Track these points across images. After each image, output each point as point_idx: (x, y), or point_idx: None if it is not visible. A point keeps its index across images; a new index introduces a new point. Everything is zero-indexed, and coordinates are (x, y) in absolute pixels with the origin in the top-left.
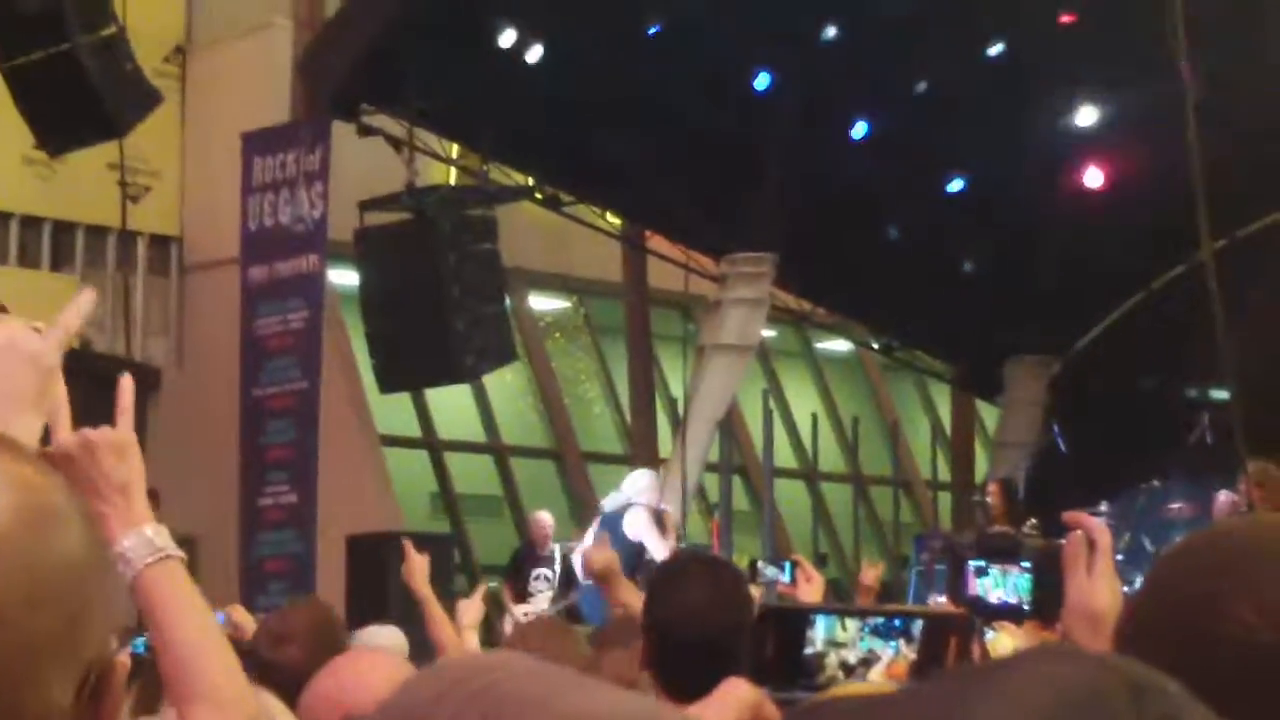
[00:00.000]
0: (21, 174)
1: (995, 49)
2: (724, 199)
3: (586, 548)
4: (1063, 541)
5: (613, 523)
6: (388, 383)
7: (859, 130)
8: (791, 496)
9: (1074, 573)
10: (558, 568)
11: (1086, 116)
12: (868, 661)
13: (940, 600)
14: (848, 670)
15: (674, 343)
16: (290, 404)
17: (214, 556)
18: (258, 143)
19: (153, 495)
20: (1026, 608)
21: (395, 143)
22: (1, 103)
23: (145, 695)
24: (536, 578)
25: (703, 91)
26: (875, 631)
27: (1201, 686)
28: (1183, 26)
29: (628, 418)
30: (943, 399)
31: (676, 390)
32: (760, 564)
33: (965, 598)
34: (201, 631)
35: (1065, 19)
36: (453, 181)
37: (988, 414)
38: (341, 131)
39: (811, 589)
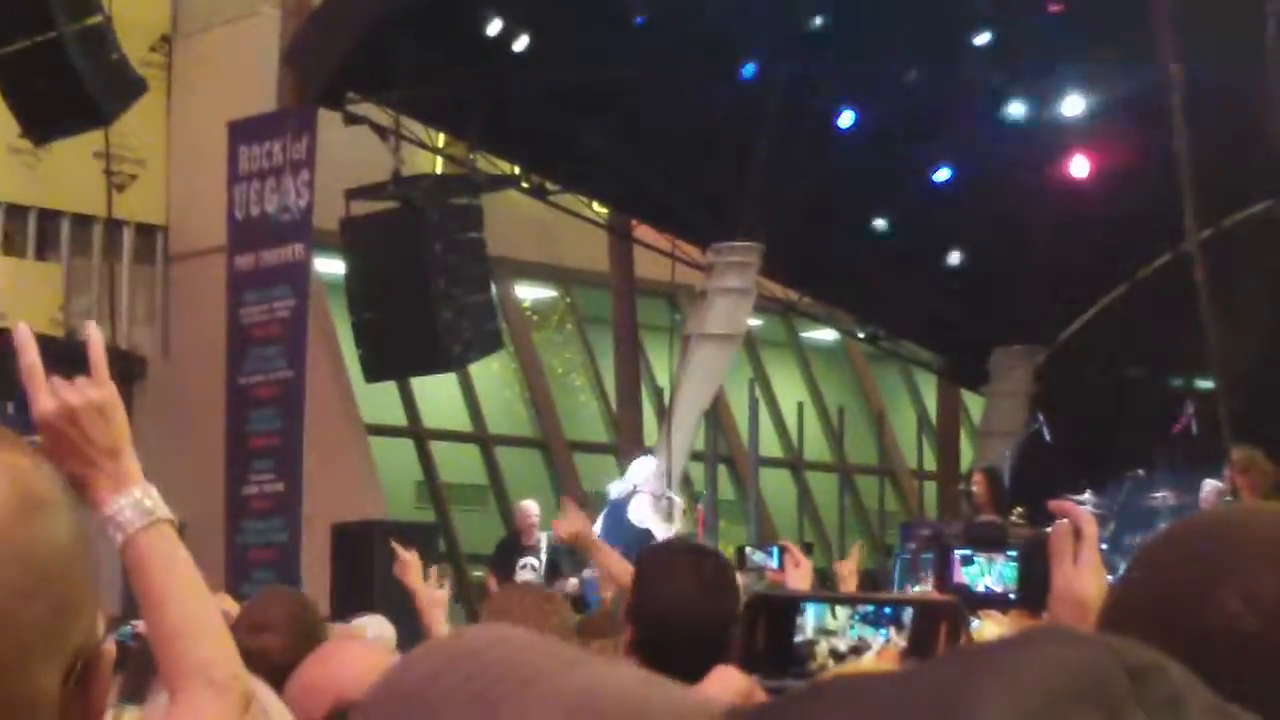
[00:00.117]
0: (7, 162)
1: (983, 38)
2: (710, 188)
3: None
4: (1049, 530)
5: (619, 510)
6: (373, 371)
7: (846, 120)
8: (777, 486)
9: (1060, 561)
10: (544, 556)
11: (1073, 106)
12: (858, 649)
13: (926, 589)
14: (838, 658)
15: (660, 332)
16: (276, 393)
17: (199, 545)
18: (244, 131)
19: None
20: (1012, 596)
21: (382, 131)
22: None
23: (132, 683)
24: (523, 567)
25: (689, 81)
26: (865, 619)
27: None
28: (1169, 18)
29: (614, 407)
30: (928, 388)
31: (662, 379)
32: (749, 550)
33: (951, 586)
34: (195, 602)
35: (1053, 8)
36: (439, 171)
37: (973, 404)
38: (328, 120)
39: (800, 574)
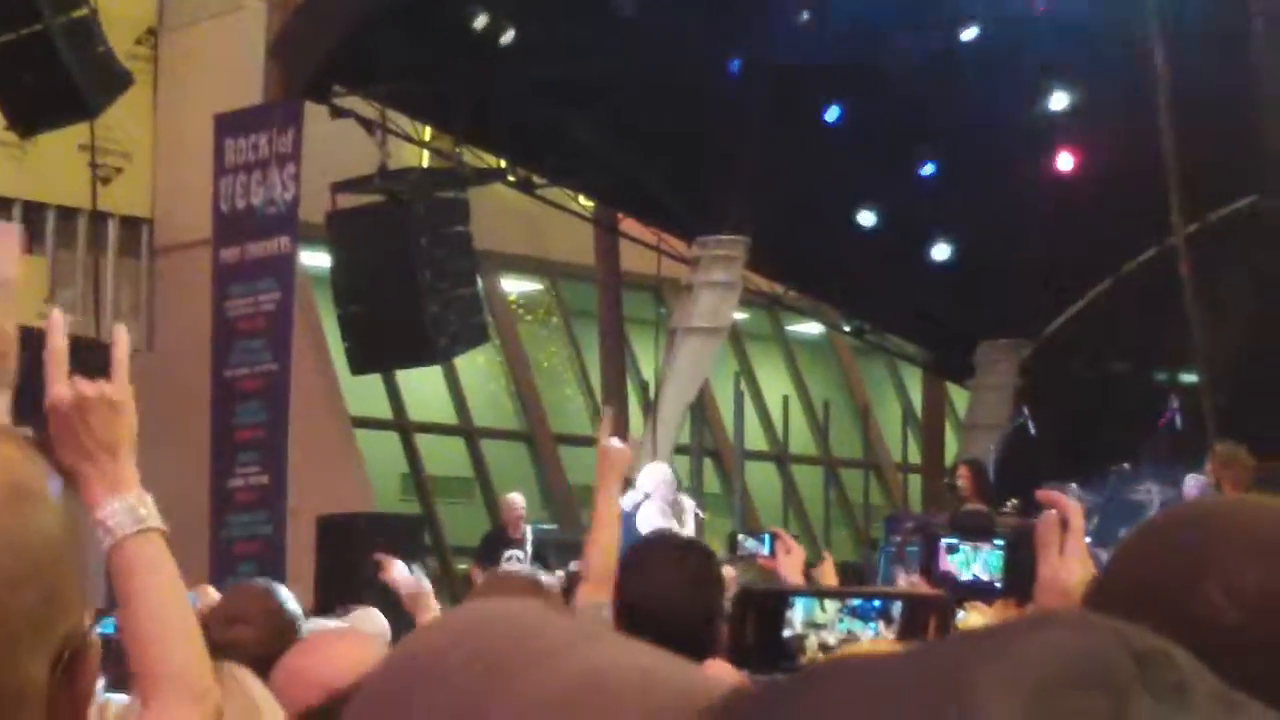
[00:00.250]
0: None
1: (969, 33)
2: (697, 182)
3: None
4: (1036, 520)
5: (630, 520)
6: (359, 364)
7: (831, 114)
8: (762, 479)
9: (1047, 551)
10: (530, 549)
11: (1059, 101)
12: (847, 643)
13: (911, 580)
14: (827, 652)
15: (646, 325)
16: (261, 385)
17: (184, 538)
18: (230, 124)
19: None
20: (998, 585)
21: (368, 125)
22: None
23: (117, 675)
24: (509, 559)
25: (676, 75)
26: (854, 613)
27: None
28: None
29: (599, 400)
30: (914, 382)
31: (648, 373)
32: (741, 537)
33: (937, 574)
34: (173, 611)
35: (1040, 4)
36: (425, 164)
37: (958, 397)
38: (314, 113)
39: (792, 561)
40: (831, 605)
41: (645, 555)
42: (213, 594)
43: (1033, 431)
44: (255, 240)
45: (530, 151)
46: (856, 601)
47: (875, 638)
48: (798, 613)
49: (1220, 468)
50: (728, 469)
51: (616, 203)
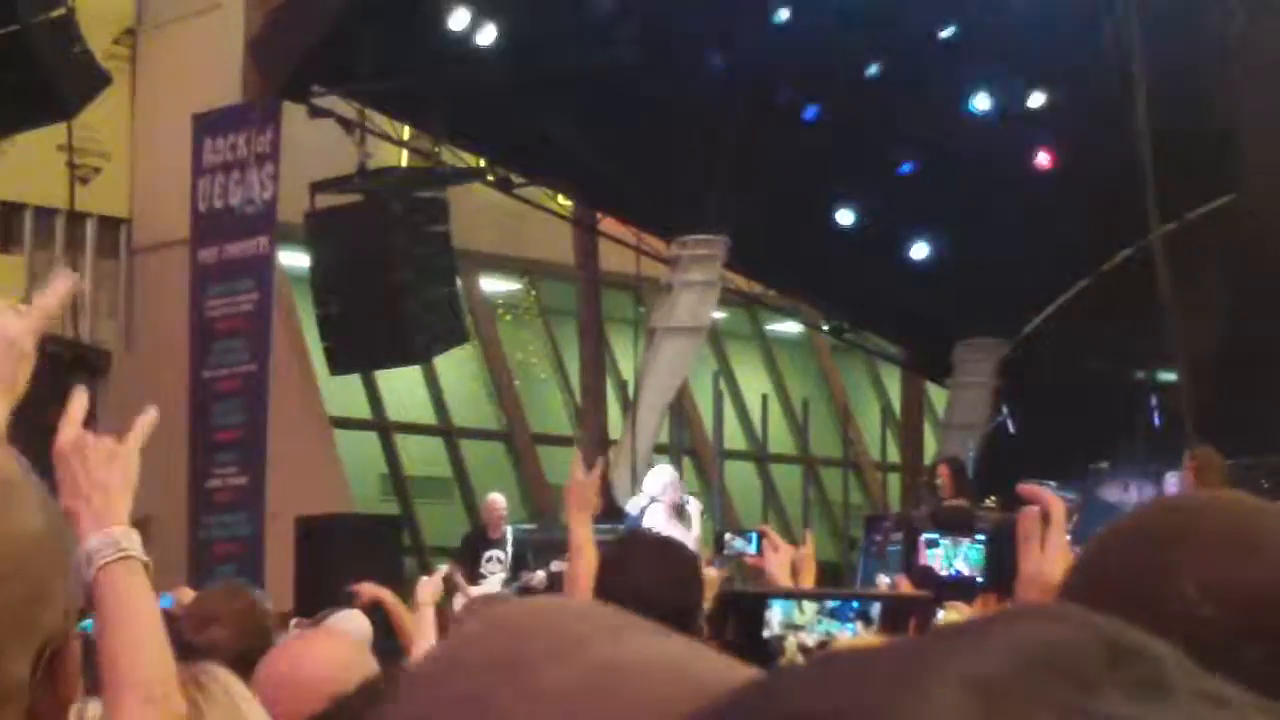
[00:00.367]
0: None
1: (946, 32)
2: (675, 181)
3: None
4: (1018, 514)
5: (636, 524)
6: (338, 364)
7: (811, 113)
8: (741, 478)
9: (1028, 545)
10: (510, 550)
11: (1036, 100)
12: (825, 644)
13: (888, 581)
14: (806, 653)
15: (625, 325)
16: (240, 386)
17: (163, 539)
18: (208, 124)
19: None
20: (979, 579)
21: (347, 124)
22: None
23: (95, 678)
24: (489, 559)
25: (654, 74)
26: (832, 614)
27: None
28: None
29: (578, 400)
30: (893, 381)
31: (627, 372)
32: (728, 536)
33: (917, 569)
34: (145, 631)
35: (1017, 2)
36: (404, 163)
37: (937, 396)
38: (292, 113)
39: (779, 559)
40: (810, 607)
41: (625, 554)
42: (189, 595)
43: (1011, 430)
44: (234, 240)
45: (509, 151)
46: (834, 603)
47: (853, 638)
48: (776, 614)
49: (1197, 470)
50: (707, 468)
51: (595, 202)
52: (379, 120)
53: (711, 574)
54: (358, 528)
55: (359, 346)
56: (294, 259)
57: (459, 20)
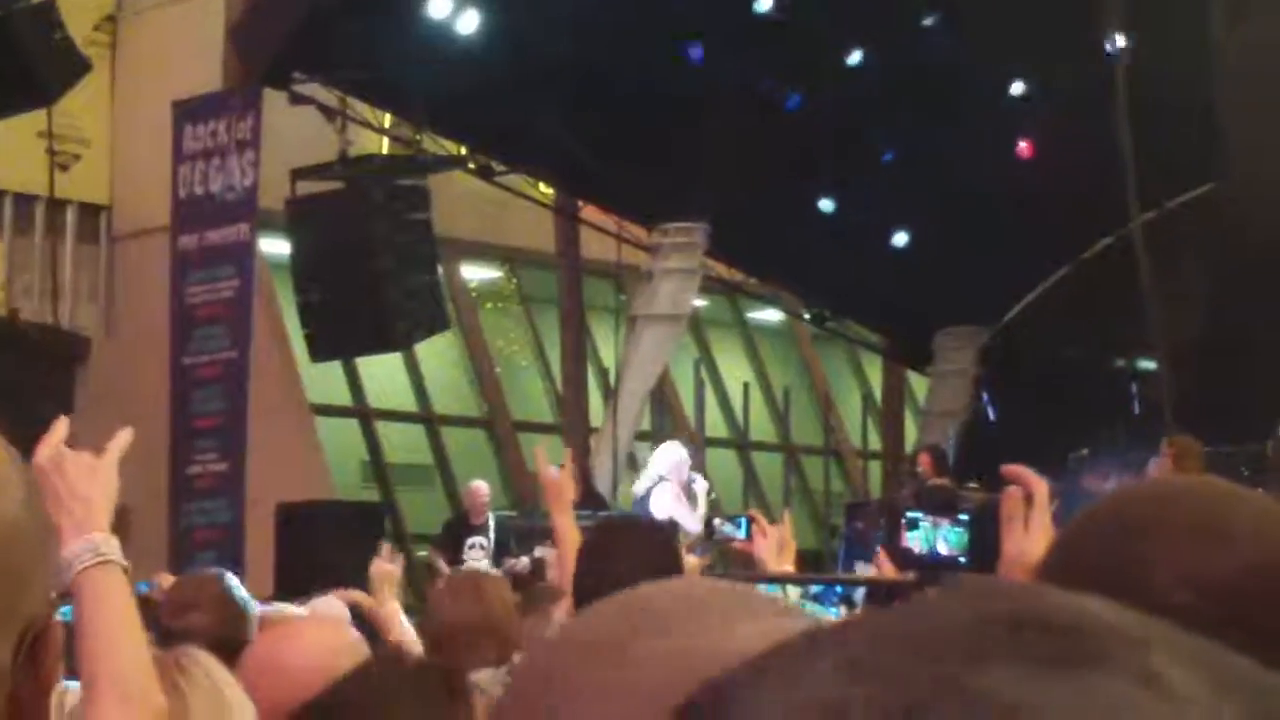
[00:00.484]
0: None
1: (929, 20)
2: (656, 169)
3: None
4: (1001, 495)
5: (644, 506)
6: (319, 351)
7: (792, 101)
8: (722, 466)
9: (1011, 525)
10: (493, 536)
11: (1017, 89)
12: None
13: (867, 569)
14: None
15: (606, 313)
16: (220, 373)
17: (143, 526)
18: (189, 111)
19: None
20: (962, 560)
21: (328, 111)
22: None
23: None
24: (471, 546)
25: (636, 61)
26: (816, 598)
27: None
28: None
29: (559, 387)
30: (874, 369)
31: (609, 360)
32: (717, 522)
33: (899, 550)
34: (122, 632)
35: None
36: (385, 151)
37: (918, 384)
38: (274, 99)
39: (768, 544)
40: (794, 591)
41: (604, 540)
42: (169, 581)
43: (992, 418)
44: (214, 227)
45: (490, 138)
46: (818, 588)
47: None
48: None
49: (1175, 458)
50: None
51: (577, 190)
52: (360, 107)
53: (692, 561)
54: (339, 515)
55: (340, 333)
56: (275, 246)
57: (440, 8)
